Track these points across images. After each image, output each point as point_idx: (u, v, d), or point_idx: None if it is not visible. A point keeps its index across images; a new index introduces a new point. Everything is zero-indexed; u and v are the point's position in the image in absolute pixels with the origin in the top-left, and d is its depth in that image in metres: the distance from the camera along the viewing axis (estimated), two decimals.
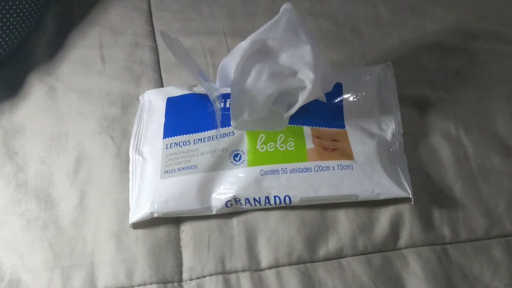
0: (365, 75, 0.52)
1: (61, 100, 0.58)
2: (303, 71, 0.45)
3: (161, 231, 0.48)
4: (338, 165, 0.46)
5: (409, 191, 0.45)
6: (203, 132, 0.50)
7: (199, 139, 0.49)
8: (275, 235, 0.46)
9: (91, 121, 0.56)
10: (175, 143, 0.50)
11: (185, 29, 0.63)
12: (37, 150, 0.55)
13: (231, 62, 0.46)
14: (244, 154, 0.48)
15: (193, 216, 0.48)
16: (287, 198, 0.46)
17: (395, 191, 0.45)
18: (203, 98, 0.52)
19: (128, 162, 0.51)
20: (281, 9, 0.45)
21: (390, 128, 0.49)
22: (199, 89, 0.54)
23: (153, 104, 0.54)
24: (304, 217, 0.47)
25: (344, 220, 0.46)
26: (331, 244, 0.45)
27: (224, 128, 0.49)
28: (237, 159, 0.48)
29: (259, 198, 0.46)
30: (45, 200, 0.51)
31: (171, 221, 0.48)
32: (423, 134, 0.51)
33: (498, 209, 0.46)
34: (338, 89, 0.51)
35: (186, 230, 0.48)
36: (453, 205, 0.46)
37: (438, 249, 0.44)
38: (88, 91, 0.58)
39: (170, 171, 0.48)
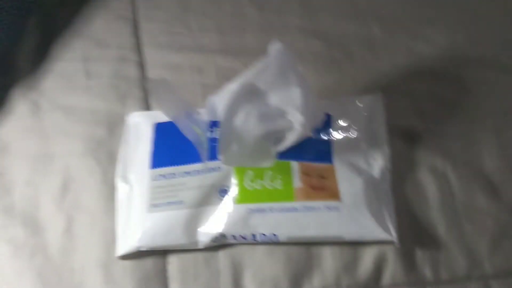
0: (354, 106, 0.52)
1: (45, 118, 0.57)
2: (293, 114, 0.44)
3: (149, 263, 0.48)
4: (324, 206, 0.46)
5: (394, 235, 0.45)
6: (190, 165, 0.49)
7: (186, 172, 0.49)
8: (260, 271, 0.47)
9: (77, 141, 0.55)
10: (162, 175, 0.49)
11: (172, 44, 0.61)
12: (22, 171, 0.54)
13: (219, 103, 0.45)
14: (231, 190, 0.48)
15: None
16: (274, 236, 0.46)
17: (380, 235, 0.45)
18: None
19: (114, 188, 0.51)
20: (272, 50, 0.44)
21: (378, 164, 0.49)
22: None
23: (140, 128, 0.53)
24: (290, 254, 0.47)
25: (329, 258, 0.47)
26: (315, 283, 0.46)
27: (211, 161, 0.49)
28: (224, 195, 0.48)
29: (245, 235, 0.47)
30: (31, 226, 0.51)
31: (158, 252, 0.49)
32: (410, 168, 0.51)
33: (480, 250, 0.47)
34: (327, 121, 0.51)
35: (173, 262, 0.48)
36: (436, 245, 0.47)
37: None
38: (72, 109, 0.57)
39: (157, 205, 0.48)
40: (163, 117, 0.53)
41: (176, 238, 0.47)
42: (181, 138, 0.51)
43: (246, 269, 0.47)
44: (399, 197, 0.49)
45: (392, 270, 0.46)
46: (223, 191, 0.48)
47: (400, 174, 0.50)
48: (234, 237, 0.47)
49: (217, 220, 0.47)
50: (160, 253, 0.49)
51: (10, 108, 0.58)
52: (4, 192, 0.53)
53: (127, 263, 0.48)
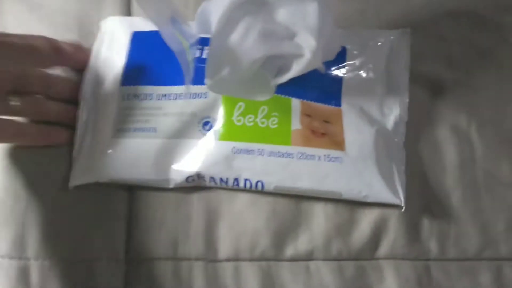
0: (375, 41, 0.43)
1: (8, 12, 0.48)
2: (303, 36, 0.36)
3: (111, 199, 0.41)
4: (325, 156, 0.38)
5: (402, 199, 0.38)
6: (170, 86, 0.41)
7: (163, 95, 0.41)
8: (239, 223, 0.40)
9: None
10: (134, 94, 0.41)
11: None
12: None
13: (214, 10, 0.36)
14: (216, 123, 0.40)
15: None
16: (259, 183, 0.39)
17: (385, 197, 0.38)
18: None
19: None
20: None
21: (393, 113, 0.41)
22: None
23: (115, 36, 0.44)
24: (276, 207, 0.40)
25: (320, 217, 0.40)
26: (301, 244, 0.39)
27: (196, 85, 0.40)
28: (206, 128, 0.40)
29: (227, 178, 0.39)
30: None
31: (122, 187, 0.41)
32: (428, 123, 0.43)
33: (496, 227, 0.40)
34: (340, 55, 0.42)
35: (138, 200, 0.41)
36: (446, 216, 0.40)
37: (420, 265, 0.39)
38: (39, 6, 0.48)
39: (124, 130, 0.40)
40: (144, 25, 0.44)
41: (143, 173, 0.40)
42: (163, 53, 0.41)
43: (222, 219, 0.40)
44: (411, 155, 0.41)
45: (392, 240, 0.39)
46: (206, 123, 0.40)
47: (417, 129, 0.42)
48: (213, 179, 0.39)
49: (195, 157, 0.39)
50: (125, 189, 0.41)
51: None
52: None
53: (84, 193, 0.41)
